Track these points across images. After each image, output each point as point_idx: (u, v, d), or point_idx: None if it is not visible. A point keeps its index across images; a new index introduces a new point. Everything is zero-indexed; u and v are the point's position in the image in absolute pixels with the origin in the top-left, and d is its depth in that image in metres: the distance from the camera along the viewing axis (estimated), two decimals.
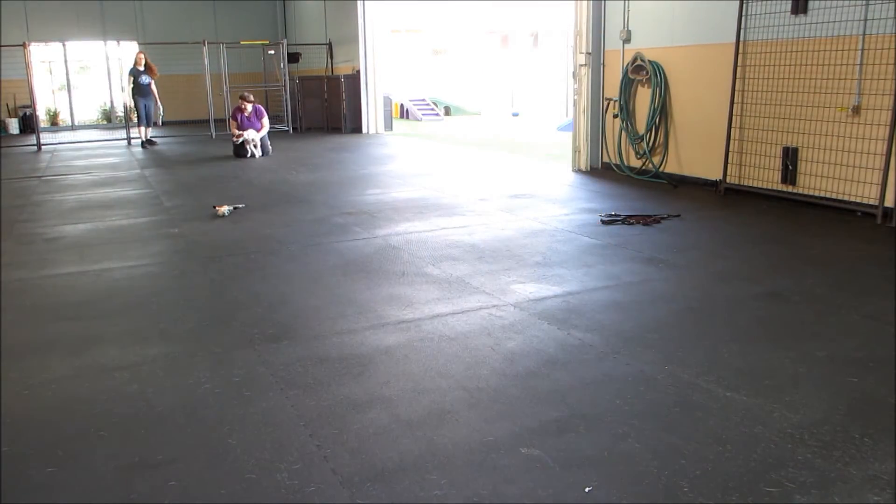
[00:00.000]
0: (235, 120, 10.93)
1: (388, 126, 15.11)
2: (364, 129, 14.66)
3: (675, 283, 4.18)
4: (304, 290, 4.17)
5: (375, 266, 4.61)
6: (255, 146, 10.74)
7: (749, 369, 2.89)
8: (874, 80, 5.51)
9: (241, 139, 10.67)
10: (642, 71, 7.72)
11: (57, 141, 13.99)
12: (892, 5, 5.31)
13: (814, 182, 6.08)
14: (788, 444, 2.30)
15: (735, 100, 6.68)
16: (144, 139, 13.08)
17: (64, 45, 16.17)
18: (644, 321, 3.49)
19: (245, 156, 10.70)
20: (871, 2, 5.45)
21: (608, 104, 8.42)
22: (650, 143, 7.77)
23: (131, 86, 13.08)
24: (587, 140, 8.66)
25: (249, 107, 10.88)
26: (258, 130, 10.87)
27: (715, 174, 6.97)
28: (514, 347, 3.19)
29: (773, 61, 6.33)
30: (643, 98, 7.87)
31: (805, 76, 6.06)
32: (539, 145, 12.64)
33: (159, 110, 13.17)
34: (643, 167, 7.96)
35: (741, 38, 6.55)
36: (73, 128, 17.45)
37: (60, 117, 18.24)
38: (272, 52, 16.50)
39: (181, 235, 5.67)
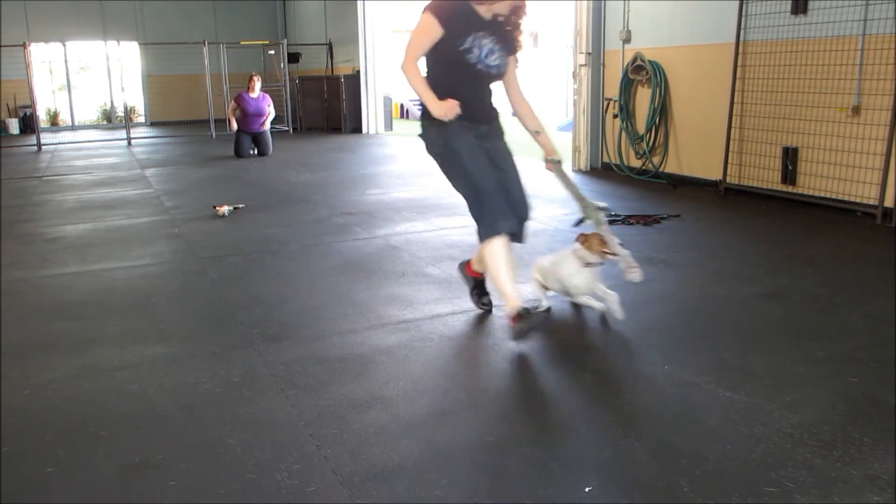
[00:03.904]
0: (239, 103, 10.51)
1: (389, 126, 15.10)
2: (364, 129, 14.65)
3: (674, 283, 4.17)
4: (305, 290, 4.17)
5: (375, 266, 4.61)
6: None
7: (749, 369, 2.89)
8: (874, 80, 5.51)
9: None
10: (642, 71, 7.72)
11: (57, 141, 13.99)
12: (892, 5, 5.31)
13: (814, 182, 6.07)
14: (788, 444, 2.30)
15: (735, 100, 6.68)
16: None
17: (64, 45, 16.17)
18: (644, 321, 3.49)
19: (245, 156, 10.69)
20: (871, 2, 5.45)
21: (608, 104, 8.42)
22: (650, 143, 7.77)
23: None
24: (587, 140, 8.66)
25: (258, 84, 10.63)
26: (265, 115, 10.76)
27: (715, 174, 6.97)
28: (514, 347, 3.19)
29: (773, 61, 6.33)
30: (643, 98, 7.86)
31: (805, 76, 6.05)
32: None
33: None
34: (643, 167, 7.96)
35: (741, 38, 6.55)
36: (73, 128, 17.46)
37: (60, 117, 18.26)
38: (272, 52, 16.51)
39: (181, 235, 5.67)
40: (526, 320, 3.03)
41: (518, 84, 3.39)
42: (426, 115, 3.19)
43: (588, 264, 3.38)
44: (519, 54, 3.33)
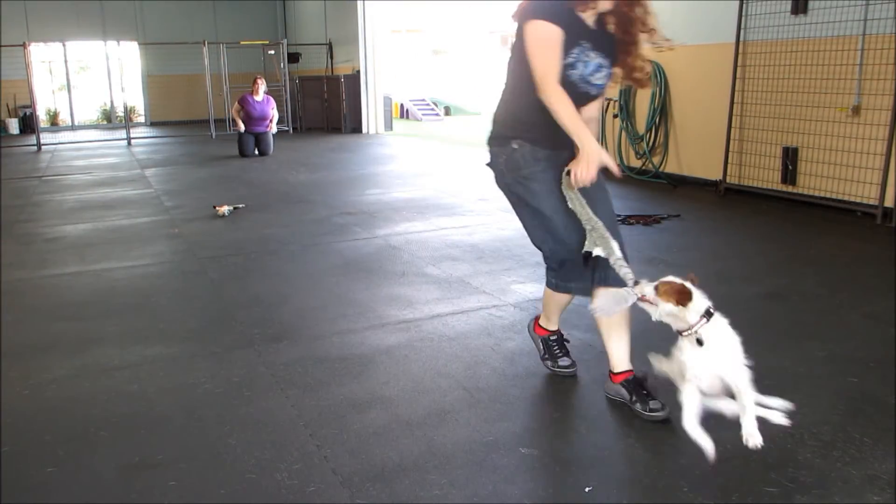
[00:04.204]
0: (243, 105, 10.57)
1: (388, 126, 15.11)
2: (364, 129, 14.66)
3: None
4: (304, 290, 4.17)
5: (375, 266, 4.61)
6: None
7: (749, 369, 2.88)
8: (874, 80, 5.51)
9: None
10: None
11: (57, 141, 13.99)
12: (892, 5, 5.31)
13: (814, 182, 6.07)
14: (788, 444, 2.30)
15: (735, 100, 6.68)
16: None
17: (64, 45, 16.19)
18: (644, 321, 3.47)
19: (250, 156, 10.71)
20: (871, 2, 5.45)
21: (608, 104, 8.41)
22: (650, 143, 7.77)
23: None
24: None
25: (262, 87, 10.67)
26: (269, 118, 10.80)
27: (715, 174, 6.97)
28: (514, 347, 3.19)
29: (773, 61, 6.33)
30: (643, 98, 7.86)
31: (805, 76, 6.05)
32: None
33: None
34: (643, 167, 7.95)
35: (741, 39, 6.55)
36: (73, 128, 17.47)
37: (60, 117, 18.26)
38: (272, 52, 16.51)
39: (181, 235, 5.67)
40: (555, 347, 2.88)
41: (602, 99, 2.67)
42: (496, 139, 2.63)
43: (683, 333, 2.23)
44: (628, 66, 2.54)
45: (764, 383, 2.75)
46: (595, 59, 2.48)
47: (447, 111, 22.12)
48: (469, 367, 2.99)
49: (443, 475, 2.18)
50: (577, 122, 2.37)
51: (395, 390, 2.79)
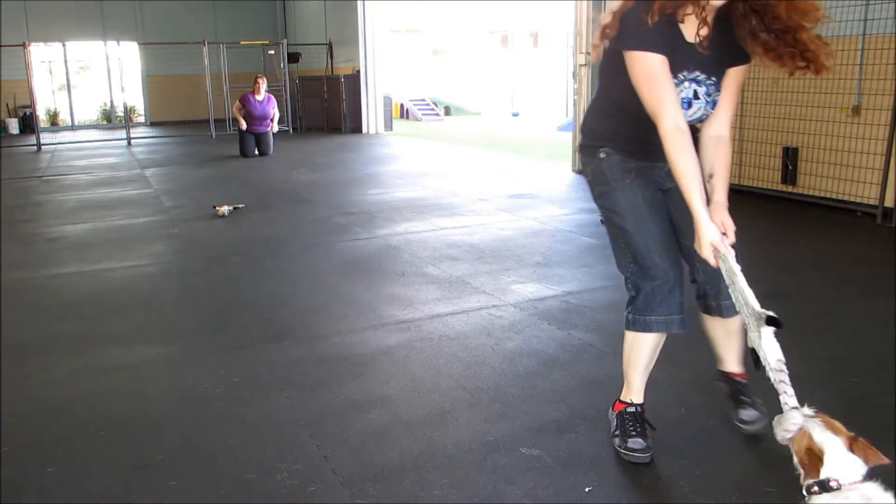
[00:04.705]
0: (244, 104, 10.57)
1: (389, 126, 15.12)
2: (364, 129, 14.66)
3: None
4: (305, 291, 4.17)
5: (375, 266, 4.61)
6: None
7: (749, 369, 2.88)
8: (874, 80, 5.51)
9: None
10: None
11: (57, 141, 13.99)
12: (892, 5, 5.31)
13: (814, 182, 6.07)
14: None
15: None
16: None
17: (64, 45, 16.17)
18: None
19: (251, 155, 10.71)
20: (871, 2, 5.45)
21: None
22: None
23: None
24: None
25: (263, 86, 10.69)
26: (270, 118, 10.82)
27: None
28: (514, 347, 3.19)
29: None
30: None
31: (805, 76, 6.04)
32: (539, 145, 12.64)
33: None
34: None
35: None
36: (73, 128, 17.46)
37: (60, 117, 18.26)
38: (272, 52, 16.51)
39: (181, 235, 5.67)
40: (633, 424, 2.30)
41: (730, 107, 2.25)
42: (585, 147, 2.31)
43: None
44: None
45: (764, 383, 2.75)
46: (690, 87, 2.14)
47: (447, 111, 22.14)
48: (469, 367, 2.99)
49: (443, 475, 2.18)
50: (691, 184, 2.05)
51: (395, 390, 2.79)
